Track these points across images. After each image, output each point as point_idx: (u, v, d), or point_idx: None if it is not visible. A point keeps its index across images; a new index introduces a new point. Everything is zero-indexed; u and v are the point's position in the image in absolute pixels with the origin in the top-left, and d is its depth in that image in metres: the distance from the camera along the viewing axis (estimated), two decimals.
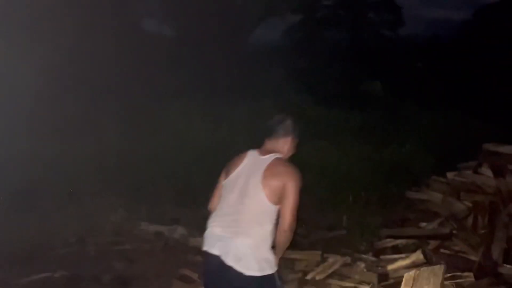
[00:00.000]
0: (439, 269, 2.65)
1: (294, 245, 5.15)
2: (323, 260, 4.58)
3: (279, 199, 2.60)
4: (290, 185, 2.60)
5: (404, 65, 12.55)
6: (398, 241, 4.95)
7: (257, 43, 13.49)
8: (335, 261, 4.48)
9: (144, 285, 4.11)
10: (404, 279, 2.81)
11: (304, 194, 6.90)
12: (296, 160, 7.38)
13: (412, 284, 2.73)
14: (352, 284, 4.06)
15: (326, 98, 10.89)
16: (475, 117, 8.82)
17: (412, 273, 2.74)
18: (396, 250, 4.82)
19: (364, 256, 4.69)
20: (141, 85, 8.35)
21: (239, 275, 2.50)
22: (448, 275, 3.74)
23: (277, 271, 2.63)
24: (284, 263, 4.54)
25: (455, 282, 3.69)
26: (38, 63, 7.22)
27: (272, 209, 2.59)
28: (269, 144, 2.78)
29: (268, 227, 2.58)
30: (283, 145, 2.79)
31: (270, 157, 2.68)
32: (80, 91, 7.64)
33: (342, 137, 8.96)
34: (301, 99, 10.97)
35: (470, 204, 4.94)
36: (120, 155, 7.00)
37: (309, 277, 4.25)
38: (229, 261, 2.50)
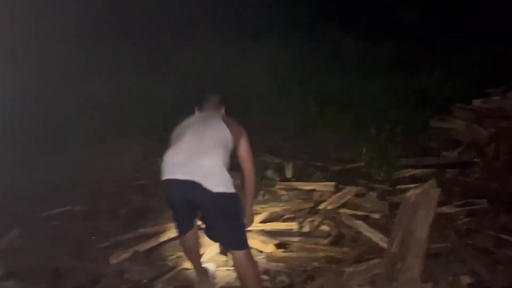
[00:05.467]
0: (434, 193, 2.55)
1: (309, 177, 5.15)
2: (338, 191, 4.53)
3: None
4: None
5: None
6: (416, 171, 4.83)
7: None
8: (348, 191, 4.43)
9: (158, 216, 4.21)
10: (401, 203, 2.74)
11: (327, 128, 6.66)
12: (321, 95, 7.12)
13: (409, 208, 2.65)
14: (362, 213, 4.01)
15: (358, 30, 10.38)
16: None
17: (408, 197, 2.66)
18: (414, 180, 4.71)
19: (379, 186, 4.60)
20: (157, 24, 8.22)
21: (207, 193, 2.52)
22: (460, 202, 3.62)
23: None
24: (296, 194, 4.54)
25: (467, 209, 3.56)
26: (55, 7, 7.20)
27: (231, 142, 2.75)
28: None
29: (228, 152, 2.72)
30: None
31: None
32: (98, 32, 7.62)
33: (373, 70, 8.59)
34: (333, 33, 10.54)
35: (493, 131, 4.70)
36: (138, 95, 7.03)
37: (321, 207, 4.22)
38: (197, 178, 2.53)
